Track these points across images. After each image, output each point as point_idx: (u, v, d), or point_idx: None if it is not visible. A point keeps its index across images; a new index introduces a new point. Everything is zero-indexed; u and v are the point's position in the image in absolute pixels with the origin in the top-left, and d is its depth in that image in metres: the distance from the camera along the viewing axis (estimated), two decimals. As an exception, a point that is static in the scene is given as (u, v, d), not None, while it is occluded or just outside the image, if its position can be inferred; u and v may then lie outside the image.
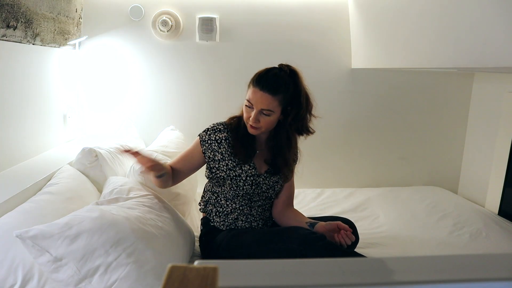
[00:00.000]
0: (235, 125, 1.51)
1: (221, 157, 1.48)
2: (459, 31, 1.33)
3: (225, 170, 1.49)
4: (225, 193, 1.52)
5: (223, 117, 2.46)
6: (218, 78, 2.41)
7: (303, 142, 2.52)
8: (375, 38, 2.12)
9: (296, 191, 2.25)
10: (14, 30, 1.58)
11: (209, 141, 1.48)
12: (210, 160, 1.50)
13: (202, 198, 1.63)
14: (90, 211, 1.20)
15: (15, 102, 1.67)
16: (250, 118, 1.41)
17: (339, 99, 2.49)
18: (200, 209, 1.65)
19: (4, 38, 1.53)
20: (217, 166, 1.49)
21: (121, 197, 1.44)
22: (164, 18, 2.24)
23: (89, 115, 2.38)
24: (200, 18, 2.29)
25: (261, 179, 1.52)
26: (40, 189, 1.44)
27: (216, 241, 1.50)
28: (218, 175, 1.50)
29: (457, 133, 2.56)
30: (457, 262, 0.45)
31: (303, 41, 2.39)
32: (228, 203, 1.53)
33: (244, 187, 1.50)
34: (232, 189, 1.50)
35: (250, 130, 1.44)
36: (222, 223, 1.54)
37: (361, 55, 2.31)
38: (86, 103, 2.37)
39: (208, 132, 1.50)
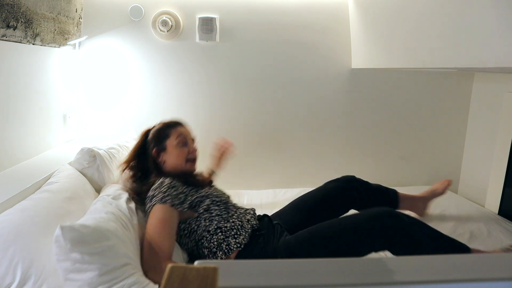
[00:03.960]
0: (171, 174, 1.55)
1: (183, 190, 1.48)
2: (459, 31, 1.33)
3: (195, 196, 1.49)
4: (217, 215, 1.48)
5: (223, 117, 2.48)
6: (218, 78, 2.41)
7: (302, 142, 2.54)
8: (375, 38, 2.12)
9: (297, 190, 2.28)
10: (14, 30, 1.58)
11: (169, 195, 1.42)
12: (179, 206, 1.44)
13: (206, 251, 1.44)
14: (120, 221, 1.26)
15: (15, 102, 1.67)
16: (190, 150, 1.59)
17: (339, 99, 2.49)
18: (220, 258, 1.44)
19: (4, 38, 1.53)
20: (189, 200, 1.48)
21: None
22: (164, 18, 2.24)
23: (89, 115, 2.38)
24: (200, 18, 2.29)
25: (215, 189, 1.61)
26: (39, 189, 1.44)
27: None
28: (196, 205, 1.48)
29: (457, 133, 2.56)
30: (457, 262, 0.45)
31: (303, 41, 2.39)
32: (226, 218, 1.49)
33: (219, 199, 1.54)
34: (216, 204, 1.51)
35: (192, 166, 1.60)
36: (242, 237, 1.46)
37: (361, 55, 2.31)
38: (86, 103, 2.37)
39: (162, 191, 1.44)
